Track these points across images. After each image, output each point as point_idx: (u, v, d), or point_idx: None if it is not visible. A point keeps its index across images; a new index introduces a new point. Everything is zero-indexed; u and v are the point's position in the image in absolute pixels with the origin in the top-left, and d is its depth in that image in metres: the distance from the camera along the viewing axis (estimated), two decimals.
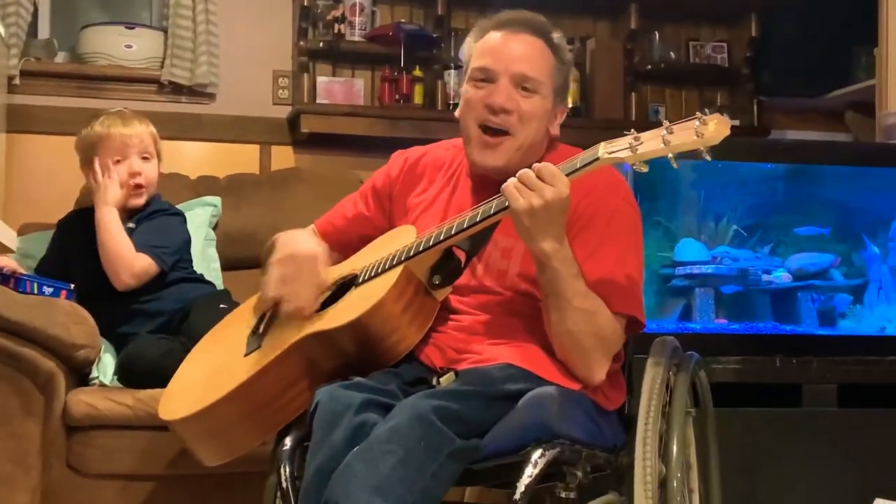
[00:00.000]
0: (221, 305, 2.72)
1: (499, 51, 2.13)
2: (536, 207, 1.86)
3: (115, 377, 2.77)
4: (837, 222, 3.54)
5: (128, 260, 2.84)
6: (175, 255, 2.96)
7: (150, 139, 3.00)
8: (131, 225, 2.94)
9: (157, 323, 2.87)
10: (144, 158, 2.98)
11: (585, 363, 2.00)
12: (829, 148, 4.00)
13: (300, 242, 2.20)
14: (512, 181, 1.89)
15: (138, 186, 2.95)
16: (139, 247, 2.87)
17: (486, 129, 2.11)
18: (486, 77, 2.12)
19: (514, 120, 2.10)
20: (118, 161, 2.94)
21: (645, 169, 1.82)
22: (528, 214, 1.87)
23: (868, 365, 3.28)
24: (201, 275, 3.08)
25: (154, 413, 2.55)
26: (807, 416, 3.23)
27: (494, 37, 2.15)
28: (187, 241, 3.06)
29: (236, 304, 2.61)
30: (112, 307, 2.84)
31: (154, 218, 2.99)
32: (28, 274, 2.84)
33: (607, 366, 2.02)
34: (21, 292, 2.68)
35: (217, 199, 3.45)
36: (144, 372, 2.67)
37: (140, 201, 2.97)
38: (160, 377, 2.46)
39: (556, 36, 2.18)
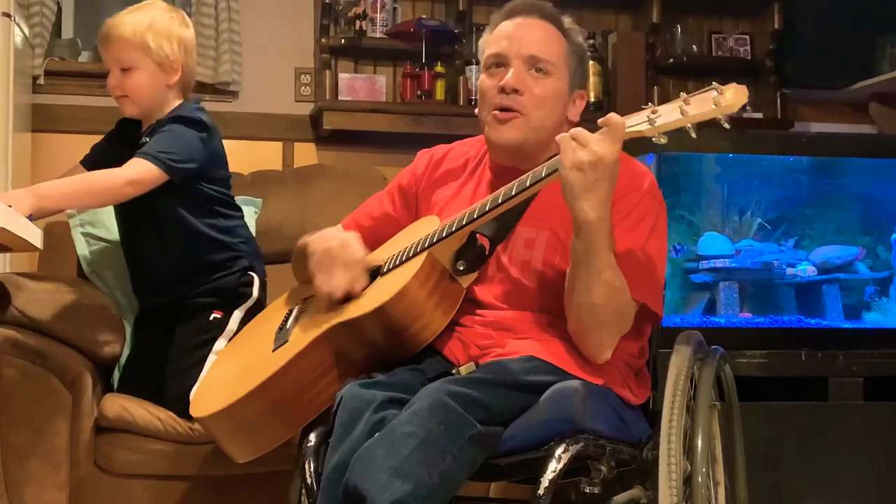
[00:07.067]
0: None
1: (510, 36, 2.15)
2: (585, 162, 1.84)
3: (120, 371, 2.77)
4: (862, 215, 3.52)
5: (108, 181, 2.55)
6: (186, 164, 2.63)
7: (125, 47, 2.70)
8: (146, 139, 2.69)
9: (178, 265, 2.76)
10: (124, 70, 2.72)
11: (597, 338, 1.99)
12: (853, 140, 3.98)
13: (330, 238, 2.21)
14: (566, 135, 1.87)
15: (120, 97, 2.75)
16: (137, 155, 2.59)
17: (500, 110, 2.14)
18: (498, 63, 2.15)
19: (526, 100, 2.11)
20: (108, 72, 2.77)
21: (664, 140, 1.82)
22: (577, 169, 1.84)
23: (894, 358, 3.27)
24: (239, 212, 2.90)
25: (182, 430, 2.58)
26: (833, 409, 3.23)
27: (505, 25, 2.19)
28: (210, 153, 2.73)
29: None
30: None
31: (167, 123, 2.70)
32: None
33: (615, 345, 2.01)
34: None
35: (258, 202, 3.39)
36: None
37: (130, 110, 2.77)
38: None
39: (567, 20, 2.20)
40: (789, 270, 3.48)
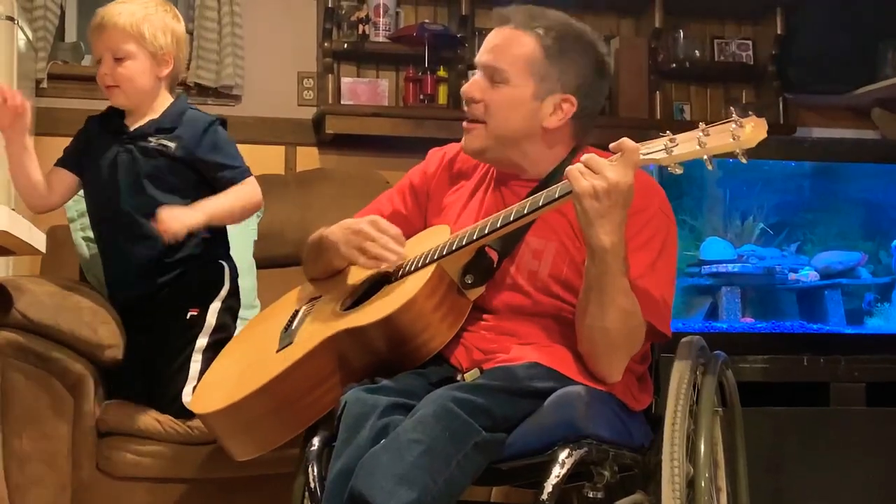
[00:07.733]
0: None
1: (482, 47, 2.22)
2: (599, 190, 1.83)
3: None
4: (864, 220, 3.52)
5: (256, 199, 2.72)
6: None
7: (121, 36, 2.68)
8: (165, 142, 2.69)
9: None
10: (117, 60, 2.69)
11: (609, 361, 2.00)
12: (855, 145, 3.98)
13: (355, 222, 2.24)
14: (577, 165, 1.87)
15: (110, 86, 2.73)
16: (239, 177, 2.72)
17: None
18: (475, 72, 2.22)
19: (480, 109, 2.16)
20: (98, 61, 2.76)
21: (679, 170, 1.82)
22: (591, 197, 1.84)
23: None
24: None
25: (181, 430, 2.58)
26: (835, 414, 3.23)
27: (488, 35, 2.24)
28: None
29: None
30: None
31: (208, 135, 2.74)
32: None
33: (625, 366, 2.02)
34: None
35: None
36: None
37: (120, 101, 2.75)
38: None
39: (546, 25, 2.16)
40: (791, 276, 3.48)
